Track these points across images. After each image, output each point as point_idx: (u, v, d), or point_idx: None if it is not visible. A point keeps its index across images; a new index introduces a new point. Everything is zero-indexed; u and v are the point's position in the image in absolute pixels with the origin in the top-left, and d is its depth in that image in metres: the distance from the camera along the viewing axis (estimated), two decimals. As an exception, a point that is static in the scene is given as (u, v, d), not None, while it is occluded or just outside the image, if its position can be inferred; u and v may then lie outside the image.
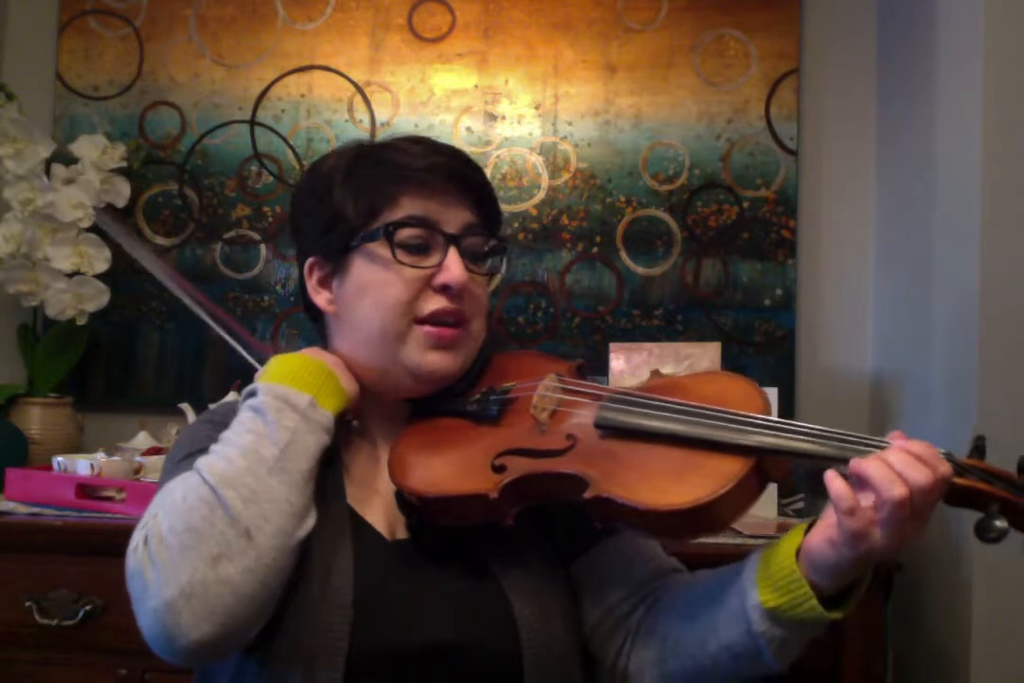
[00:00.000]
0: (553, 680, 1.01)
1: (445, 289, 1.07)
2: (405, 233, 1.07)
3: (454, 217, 1.09)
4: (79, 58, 2.18)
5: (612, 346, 1.92)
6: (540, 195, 2.12)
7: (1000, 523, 0.85)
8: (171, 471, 1.04)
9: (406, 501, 1.03)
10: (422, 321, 1.07)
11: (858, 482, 0.88)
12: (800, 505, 1.84)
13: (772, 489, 1.79)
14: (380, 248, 1.07)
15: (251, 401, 1.02)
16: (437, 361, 1.08)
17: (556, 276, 2.11)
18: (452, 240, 1.08)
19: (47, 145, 2.00)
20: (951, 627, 1.57)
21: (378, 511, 1.08)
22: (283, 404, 1.00)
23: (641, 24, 2.12)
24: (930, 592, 1.68)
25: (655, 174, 2.10)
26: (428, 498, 1.01)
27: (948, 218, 1.68)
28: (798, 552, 0.92)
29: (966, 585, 1.51)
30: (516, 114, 2.14)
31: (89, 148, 2.03)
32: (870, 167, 2.10)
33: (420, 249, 1.08)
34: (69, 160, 2.03)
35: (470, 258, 1.10)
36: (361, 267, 1.09)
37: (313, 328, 1.20)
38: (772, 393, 1.81)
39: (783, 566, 0.93)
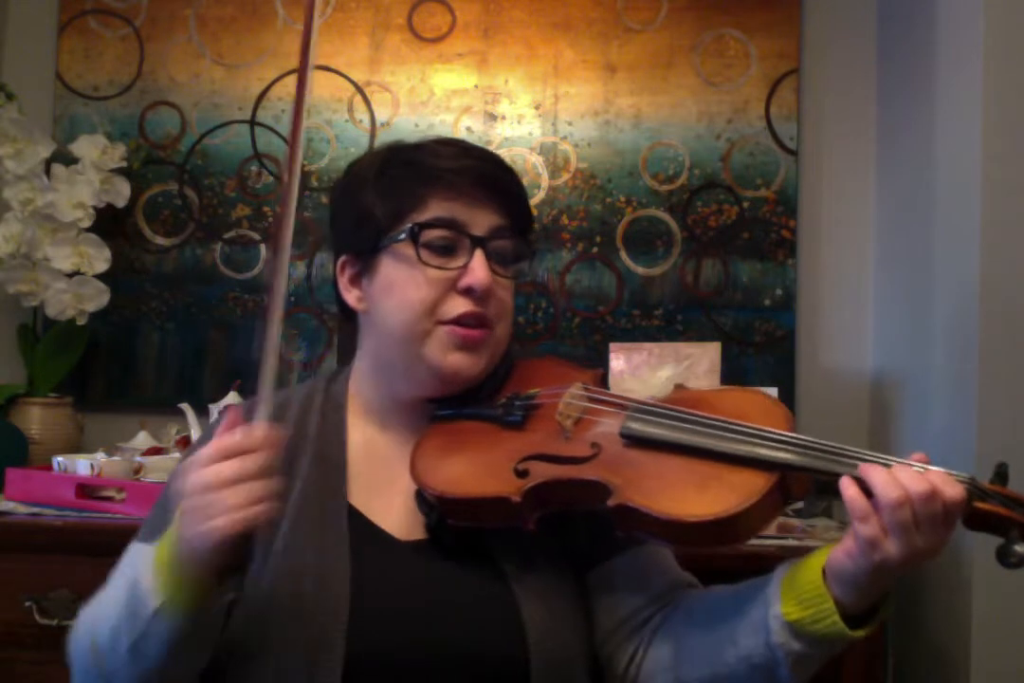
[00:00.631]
0: None
1: (469, 292, 1.07)
2: (431, 234, 1.07)
3: (481, 219, 1.09)
4: (79, 58, 2.18)
5: (612, 346, 1.92)
6: (540, 195, 2.12)
7: (1020, 548, 0.87)
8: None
9: (426, 500, 1.03)
10: (446, 323, 1.07)
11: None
12: (800, 505, 1.83)
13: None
14: (406, 248, 1.08)
15: (135, 570, 0.96)
16: (460, 361, 1.07)
17: (556, 276, 2.11)
18: (478, 242, 1.08)
19: (47, 145, 2.00)
20: (951, 627, 1.57)
21: (394, 510, 1.08)
22: (133, 610, 0.93)
23: (641, 24, 2.12)
24: (930, 592, 1.68)
25: (655, 174, 2.10)
26: (448, 498, 1.02)
27: (948, 218, 1.68)
28: (825, 569, 0.93)
29: (966, 585, 1.51)
30: (516, 114, 2.14)
31: (89, 148, 2.03)
32: (870, 167, 2.10)
33: (446, 250, 1.08)
34: (69, 160, 2.03)
35: (497, 261, 1.10)
36: (388, 267, 1.09)
37: (344, 328, 1.21)
38: (772, 393, 1.80)
39: (809, 580, 0.93)
